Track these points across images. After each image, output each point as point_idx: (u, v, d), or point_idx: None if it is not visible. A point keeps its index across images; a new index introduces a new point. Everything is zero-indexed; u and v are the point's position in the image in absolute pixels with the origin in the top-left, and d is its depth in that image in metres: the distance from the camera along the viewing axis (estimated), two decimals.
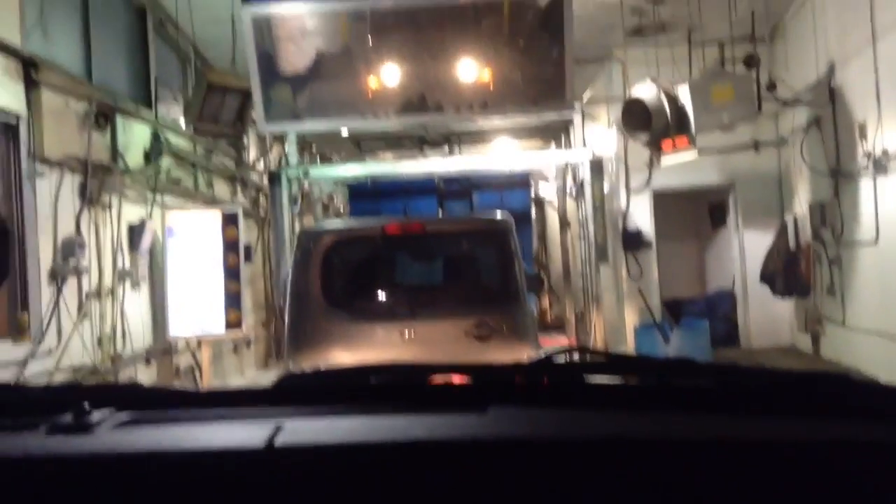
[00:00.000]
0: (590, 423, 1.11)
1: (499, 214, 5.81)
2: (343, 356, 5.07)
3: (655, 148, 8.21)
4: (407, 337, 5.10)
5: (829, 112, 8.32)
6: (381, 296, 5.71)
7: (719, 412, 1.14)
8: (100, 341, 6.47)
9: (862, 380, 1.26)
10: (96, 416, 1.16)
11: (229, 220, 7.98)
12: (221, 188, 9.62)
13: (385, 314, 5.45)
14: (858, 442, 1.04)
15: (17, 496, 1.00)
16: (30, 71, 5.63)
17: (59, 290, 5.89)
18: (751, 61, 8.77)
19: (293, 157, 9.60)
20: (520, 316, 5.35)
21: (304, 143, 10.40)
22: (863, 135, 7.48)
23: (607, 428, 1.08)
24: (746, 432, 1.07)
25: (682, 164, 8.60)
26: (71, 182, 6.16)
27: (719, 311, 10.99)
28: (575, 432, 1.08)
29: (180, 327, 7.67)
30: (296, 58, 6.71)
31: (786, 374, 1.36)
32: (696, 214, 12.39)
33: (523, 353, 4.98)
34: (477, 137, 10.82)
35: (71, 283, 6.08)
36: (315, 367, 5.71)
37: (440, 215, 10.15)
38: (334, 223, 5.89)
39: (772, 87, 8.57)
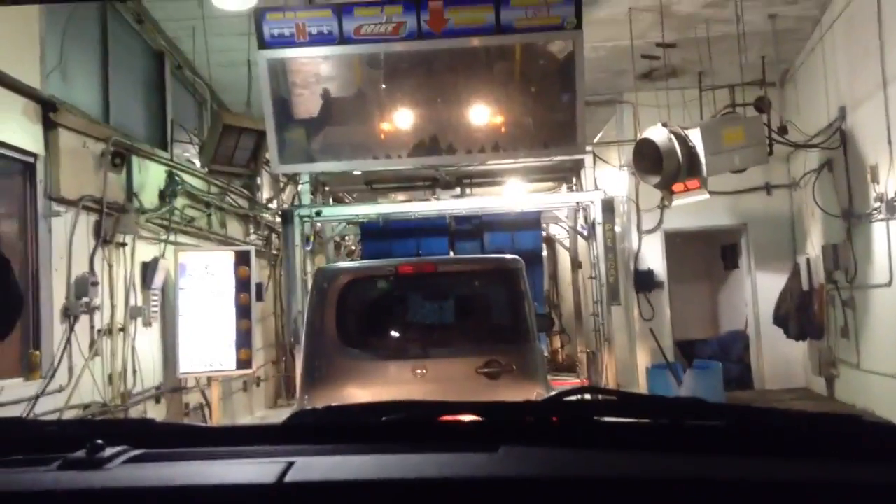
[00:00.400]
0: (600, 463, 1.11)
1: (509, 256, 5.92)
2: (356, 392, 5.13)
3: (667, 190, 8.23)
4: (419, 374, 5.14)
5: (841, 155, 8.35)
6: (395, 334, 5.78)
7: (730, 453, 1.14)
8: (110, 378, 6.49)
9: (875, 421, 1.25)
10: (109, 452, 1.16)
11: (242, 259, 8.03)
12: (234, 227, 9.70)
13: (398, 352, 5.50)
14: (870, 484, 1.03)
15: None
16: (48, 112, 5.73)
17: (71, 328, 5.92)
18: (762, 104, 8.85)
19: (306, 197, 9.67)
20: (530, 355, 5.39)
21: (316, 184, 10.47)
22: (874, 177, 7.49)
23: (618, 467, 1.08)
24: (757, 473, 1.06)
25: (694, 206, 8.62)
26: (86, 221, 6.23)
27: (732, 353, 10.91)
28: (586, 471, 1.07)
29: (190, 365, 7.68)
30: (310, 100, 6.81)
31: (798, 415, 1.34)
32: (708, 256, 12.37)
33: (533, 392, 5.04)
34: (488, 178, 10.88)
35: (83, 320, 6.12)
36: (327, 404, 5.79)
37: (451, 255, 10.18)
38: (349, 263, 5.90)
39: (783, 130, 8.63)
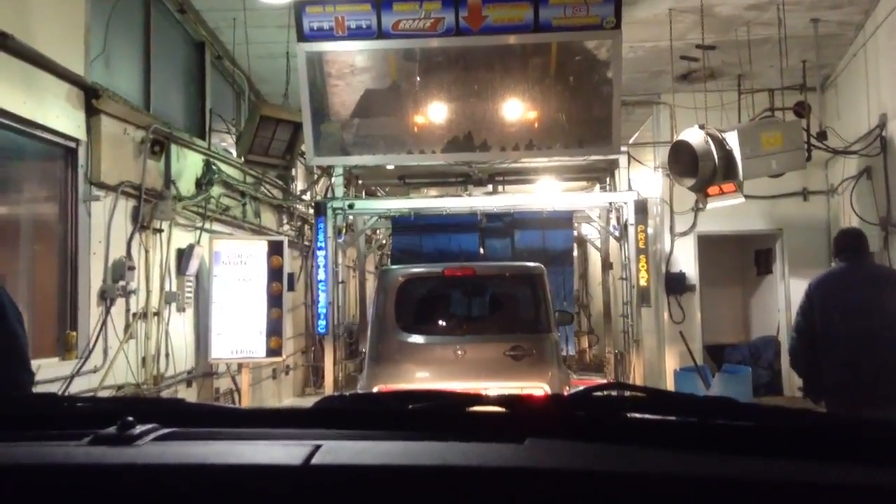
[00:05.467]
0: (627, 459, 1.10)
1: (532, 263, 7.18)
2: (410, 367, 6.41)
3: (701, 193, 8.16)
4: (459, 354, 6.38)
5: (881, 162, 8.21)
6: (441, 322, 7.05)
7: (760, 453, 1.13)
8: (144, 361, 6.62)
9: None
10: (139, 429, 1.18)
11: (275, 249, 8.13)
12: (268, 217, 9.81)
13: (443, 336, 6.80)
14: None
15: (55, 503, 1.02)
16: (91, 99, 5.85)
17: (107, 311, 6.05)
18: (801, 109, 8.74)
19: (339, 190, 9.75)
20: (547, 343, 6.59)
21: (349, 177, 10.56)
22: None
23: (645, 464, 1.07)
24: (786, 475, 1.05)
25: (728, 209, 8.54)
26: (124, 206, 6.36)
27: (762, 359, 10.79)
28: (612, 466, 1.06)
29: (222, 351, 7.80)
30: (346, 93, 6.87)
31: (831, 417, 1.33)
32: (741, 260, 12.25)
33: (548, 372, 6.34)
34: (521, 176, 10.88)
35: (119, 303, 6.25)
36: (387, 375, 6.36)
37: (481, 252, 10.26)
38: (407, 267, 7.56)
39: (822, 136, 8.50)
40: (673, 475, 1.04)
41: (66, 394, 5.42)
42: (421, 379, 6.35)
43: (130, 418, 1.19)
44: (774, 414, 1.33)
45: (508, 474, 1.05)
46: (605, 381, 10.82)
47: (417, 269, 7.39)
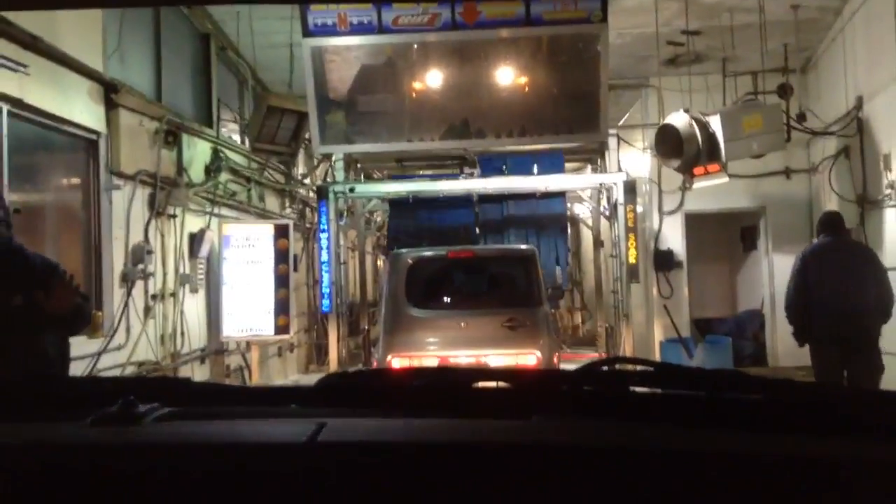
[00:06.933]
0: (634, 434, 1.10)
1: (525, 246, 8.14)
2: (420, 335, 7.18)
3: (687, 173, 8.56)
4: (462, 325, 7.17)
5: (857, 143, 8.61)
6: (445, 298, 7.79)
7: (767, 428, 1.11)
8: (162, 339, 7.03)
9: None
10: (142, 408, 1.17)
11: (281, 232, 8.53)
12: (272, 201, 10.20)
13: (448, 310, 7.60)
14: None
15: (56, 482, 1.01)
16: (110, 93, 6.21)
17: (128, 293, 6.45)
18: (783, 91, 9.13)
19: (340, 174, 10.11)
20: (540, 315, 7.31)
21: (349, 160, 10.91)
22: (887, 166, 7.78)
23: (652, 439, 1.07)
24: (794, 449, 1.04)
25: (714, 188, 8.92)
26: (142, 194, 6.74)
27: (748, 331, 11.24)
28: (619, 442, 1.06)
29: (232, 329, 8.22)
30: (349, 86, 7.23)
31: (841, 390, 1.36)
32: (728, 237, 12.63)
33: (539, 340, 7.05)
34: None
35: (139, 285, 6.65)
36: (401, 344, 7.00)
37: (476, 231, 10.67)
38: (415, 250, 8.27)
39: (801, 118, 8.90)
40: (681, 451, 1.03)
41: (94, 369, 5.84)
42: (430, 346, 7.08)
43: (132, 397, 1.18)
44: (783, 387, 1.29)
45: (517, 451, 1.03)
46: (597, 354, 11.26)
47: (425, 253, 8.12)
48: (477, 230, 10.55)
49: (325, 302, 9.89)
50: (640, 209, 10.57)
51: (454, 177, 10.17)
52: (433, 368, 1.57)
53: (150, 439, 1.09)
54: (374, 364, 7.49)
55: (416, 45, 6.96)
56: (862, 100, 8.48)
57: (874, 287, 6.03)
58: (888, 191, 7.78)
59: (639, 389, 1.29)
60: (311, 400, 1.32)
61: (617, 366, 1.58)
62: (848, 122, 8.75)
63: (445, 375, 1.45)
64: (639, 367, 1.43)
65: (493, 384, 1.33)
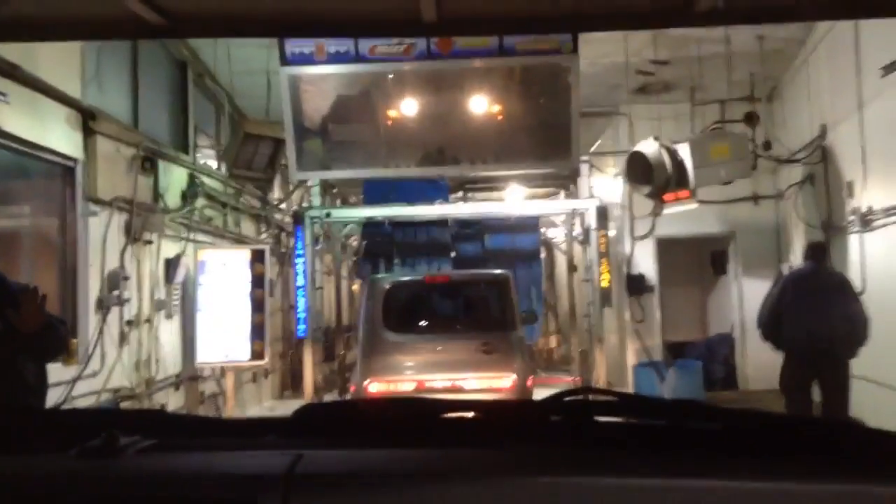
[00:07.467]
0: (599, 463, 1.12)
1: (499, 271, 8.23)
2: (397, 358, 7.28)
3: (657, 199, 8.74)
4: (438, 349, 7.32)
5: (821, 170, 8.84)
6: (422, 322, 7.89)
7: (726, 456, 1.14)
8: (137, 366, 7.01)
9: (878, 430, 1.21)
10: (124, 441, 1.19)
11: (257, 257, 8.56)
12: (248, 226, 10.23)
13: (423, 334, 7.69)
14: (876, 494, 1.04)
15: None
16: (88, 120, 6.25)
17: (104, 319, 6.45)
18: (750, 119, 9.37)
19: (316, 199, 10.18)
20: (513, 340, 7.46)
21: (325, 185, 10.99)
22: (850, 192, 8.00)
23: (617, 468, 1.10)
24: (753, 477, 1.06)
25: (685, 214, 9.11)
26: (118, 220, 6.75)
27: (719, 355, 11.41)
28: (585, 471, 1.09)
29: (207, 355, 8.21)
30: (326, 113, 7.33)
31: (799, 419, 1.39)
32: (698, 261, 12.84)
33: (514, 364, 7.20)
34: (490, 184, 11.38)
35: (114, 311, 6.64)
36: (380, 366, 6.98)
37: (452, 255, 10.83)
38: (392, 275, 8.69)
39: (767, 146, 9.14)
40: (644, 479, 1.07)
41: (69, 397, 5.81)
42: (407, 371, 7.16)
43: (115, 431, 1.21)
44: (743, 416, 1.35)
45: (488, 481, 1.07)
46: (570, 378, 11.37)
47: (402, 278, 8.32)
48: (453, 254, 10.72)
49: (301, 327, 9.93)
50: (612, 234, 10.75)
51: (431, 199, 10.24)
52: (407, 399, 1.66)
53: (133, 472, 1.13)
54: (352, 388, 7.55)
55: (391, 75, 7.09)
56: (826, 128, 8.72)
57: (844, 312, 6.37)
58: (851, 217, 8.00)
59: (603, 419, 1.34)
60: (288, 431, 1.36)
61: (588, 396, 1.62)
62: (812, 149, 8.99)
63: (420, 406, 1.48)
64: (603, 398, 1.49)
65: (466, 414, 1.38)
